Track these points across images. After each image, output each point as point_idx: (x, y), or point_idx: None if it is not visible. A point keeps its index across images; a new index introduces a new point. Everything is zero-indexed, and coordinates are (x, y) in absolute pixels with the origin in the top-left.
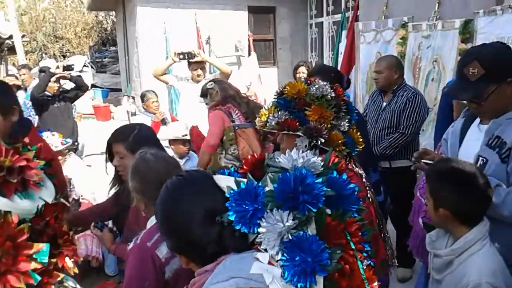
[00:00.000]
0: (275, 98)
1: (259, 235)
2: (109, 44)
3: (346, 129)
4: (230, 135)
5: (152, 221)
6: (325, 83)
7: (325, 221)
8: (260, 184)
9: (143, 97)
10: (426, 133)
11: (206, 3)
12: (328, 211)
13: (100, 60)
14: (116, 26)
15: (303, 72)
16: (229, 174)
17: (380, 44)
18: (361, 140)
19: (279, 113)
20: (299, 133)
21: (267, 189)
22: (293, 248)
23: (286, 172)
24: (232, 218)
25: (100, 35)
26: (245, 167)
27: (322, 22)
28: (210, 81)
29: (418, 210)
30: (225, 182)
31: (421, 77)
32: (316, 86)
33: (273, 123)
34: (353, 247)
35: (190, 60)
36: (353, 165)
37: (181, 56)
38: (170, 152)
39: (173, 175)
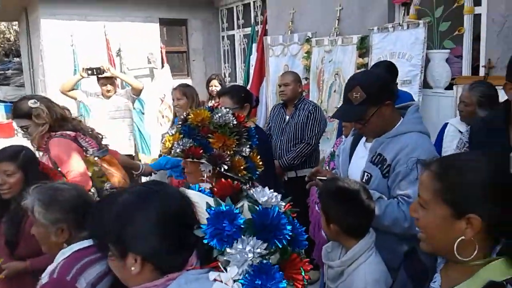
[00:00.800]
0: (179, 125)
1: (228, 254)
2: (13, 55)
3: (248, 154)
4: (96, 170)
5: (65, 252)
6: (227, 110)
7: (290, 256)
8: (237, 209)
9: None
10: (330, 141)
11: (115, 15)
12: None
13: (3, 72)
14: (19, 37)
15: (215, 85)
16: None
17: (287, 58)
18: (261, 163)
19: (184, 140)
20: (203, 160)
21: (243, 216)
22: (257, 273)
23: (266, 207)
24: (207, 232)
25: (2, 45)
26: (216, 189)
27: (233, 35)
28: (28, 97)
29: (318, 224)
30: (197, 197)
31: (325, 89)
32: (219, 114)
33: (178, 150)
34: (305, 282)
35: (100, 76)
36: None
37: (90, 72)
38: None
39: (86, 198)
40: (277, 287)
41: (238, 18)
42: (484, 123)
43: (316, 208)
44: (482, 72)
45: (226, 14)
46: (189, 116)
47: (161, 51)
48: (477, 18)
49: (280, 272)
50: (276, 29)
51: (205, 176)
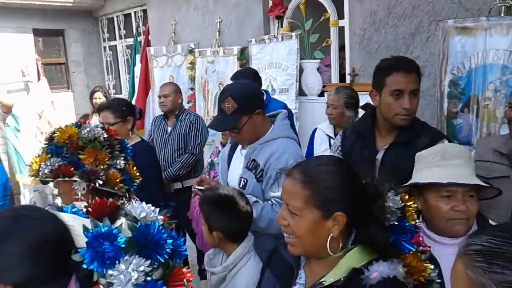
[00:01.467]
0: (45, 144)
1: (110, 276)
2: None
3: (123, 166)
4: None
5: None
6: (96, 124)
7: (172, 269)
8: (117, 229)
9: None
10: None
11: None
12: None
13: None
14: None
15: (99, 97)
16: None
17: (172, 68)
18: (137, 175)
19: (52, 160)
20: (75, 177)
21: (123, 234)
22: None
23: (146, 224)
24: (86, 256)
25: None
26: (92, 210)
27: (116, 45)
28: None
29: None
30: (71, 220)
31: (210, 99)
32: (88, 129)
33: (46, 171)
34: None
35: None
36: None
37: None
38: None
39: None
40: None
41: (119, 29)
42: (354, 128)
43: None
44: (348, 79)
45: (106, 24)
46: (55, 134)
47: (36, 63)
48: (341, 30)
49: (165, 287)
50: (159, 40)
51: (80, 194)
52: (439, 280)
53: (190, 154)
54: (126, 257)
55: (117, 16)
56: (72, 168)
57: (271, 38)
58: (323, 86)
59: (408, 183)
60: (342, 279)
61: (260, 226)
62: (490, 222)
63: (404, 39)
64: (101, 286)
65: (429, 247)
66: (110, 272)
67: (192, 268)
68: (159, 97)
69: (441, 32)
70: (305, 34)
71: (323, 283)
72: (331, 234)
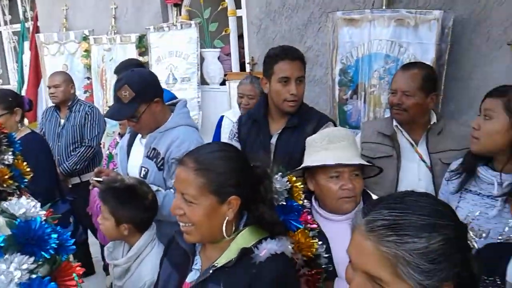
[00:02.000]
0: None
1: None
2: None
3: (11, 162)
4: None
5: None
6: None
7: (60, 265)
8: None
9: None
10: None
11: None
12: None
13: None
14: None
15: None
16: None
17: (65, 56)
18: (28, 170)
19: None
20: None
21: (2, 233)
22: None
23: (26, 220)
24: None
25: None
26: None
27: (0, 32)
28: None
29: None
30: None
31: (109, 88)
32: None
33: None
34: (79, 286)
35: None
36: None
37: None
38: None
39: None
40: None
41: (4, 14)
42: (249, 115)
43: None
44: (248, 68)
45: None
46: None
47: None
48: (239, 19)
49: (52, 283)
50: (49, 26)
51: None
52: (326, 255)
53: (87, 147)
54: (6, 256)
55: (1, 0)
56: None
57: (170, 26)
58: (224, 75)
59: (300, 167)
60: (233, 259)
61: (163, 214)
62: (375, 197)
63: (298, 29)
64: None
65: (317, 224)
66: None
67: (97, 264)
68: (49, 87)
69: (331, 23)
70: (204, 22)
71: (216, 265)
72: (227, 218)
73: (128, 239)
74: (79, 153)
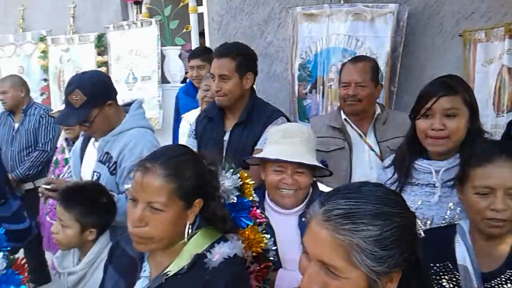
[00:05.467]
0: None
1: None
2: None
3: None
4: None
5: None
6: None
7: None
8: None
9: None
10: None
11: None
12: None
13: None
14: None
15: None
16: None
17: (21, 58)
18: None
19: None
20: None
21: None
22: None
23: None
24: None
25: None
26: None
27: None
28: None
29: (51, 235)
30: None
31: None
32: None
33: None
34: None
35: None
36: None
37: None
38: None
39: None
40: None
41: None
42: (205, 113)
43: (48, 219)
44: None
45: None
46: None
47: None
48: (200, 16)
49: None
50: (5, 26)
51: None
52: (274, 247)
53: (41, 151)
54: None
55: None
56: None
57: (130, 25)
58: (186, 73)
59: (249, 157)
60: (185, 266)
61: (116, 220)
62: (326, 189)
63: (258, 25)
64: None
65: (265, 216)
66: None
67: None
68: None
69: (291, 19)
70: (165, 20)
71: (168, 273)
72: (188, 222)
73: (88, 245)
74: (33, 158)
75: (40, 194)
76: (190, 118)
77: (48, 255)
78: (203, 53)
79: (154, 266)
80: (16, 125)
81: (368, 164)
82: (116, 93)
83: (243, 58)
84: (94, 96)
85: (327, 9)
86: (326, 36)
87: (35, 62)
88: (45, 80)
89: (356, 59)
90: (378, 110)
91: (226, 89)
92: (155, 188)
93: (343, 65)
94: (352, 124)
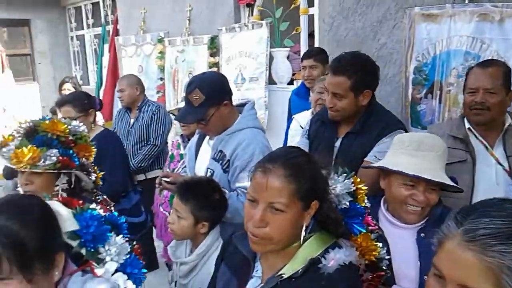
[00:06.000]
0: (23, 136)
1: (102, 253)
2: None
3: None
4: None
5: None
6: (75, 123)
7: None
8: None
9: None
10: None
11: None
12: None
13: None
14: None
15: (68, 89)
16: None
17: (141, 58)
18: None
19: (53, 151)
20: (77, 171)
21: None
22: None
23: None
24: (84, 236)
25: None
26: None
27: (83, 35)
28: None
29: (164, 225)
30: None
31: (180, 89)
32: (70, 126)
33: (48, 162)
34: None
35: None
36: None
37: None
38: None
39: None
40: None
41: (87, 18)
42: (319, 116)
43: (161, 210)
44: None
45: (74, 13)
46: (39, 127)
47: (0, 55)
48: (311, 18)
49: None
50: (128, 29)
51: (60, 190)
52: (388, 257)
53: (152, 145)
54: (112, 235)
55: (85, 5)
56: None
57: (241, 27)
58: (293, 74)
59: (377, 165)
60: (300, 270)
61: (226, 216)
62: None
63: (372, 26)
64: (92, 263)
65: (378, 226)
66: (101, 249)
67: (161, 259)
68: (117, 91)
69: (408, 20)
70: (276, 22)
71: (282, 275)
72: (305, 224)
73: (200, 238)
74: (144, 151)
75: (156, 185)
76: (300, 119)
77: (157, 244)
78: (317, 54)
79: (266, 267)
80: (132, 120)
81: (494, 180)
82: (231, 93)
83: (360, 76)
84: (212, 96)
85: (449, 9)
86: (446, 38)
87: (153, 62)
88: (161, 79)
89: (486, 63)
90: (509, 120)
91: (340, 107)
92: (276, 188)
93: (470, 69)
94: (477, 135)
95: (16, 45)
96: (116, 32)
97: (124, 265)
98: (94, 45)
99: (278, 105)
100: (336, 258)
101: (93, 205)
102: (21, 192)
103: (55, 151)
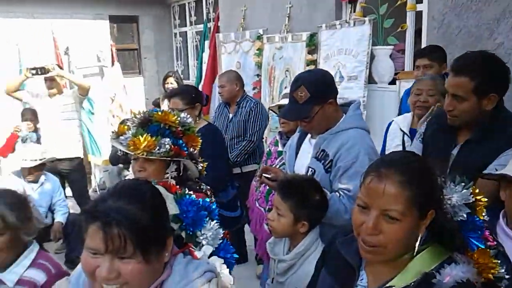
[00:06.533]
0: (138, 125)
1: (199, 236)
2: None
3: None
4: None
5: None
6: (184, 115)
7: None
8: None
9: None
10: None
11: (63, 13)
12: None
13: None
14: None
15: (171, 83)
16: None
17: (239, 55)
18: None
19: (166, 139)
20: (185, 160)
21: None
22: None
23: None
24: (185, 220)
25: None
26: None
27: (186, 32)
28: None
29: (259, 220)
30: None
31: (276, 86)
32: (179, 118)
33: (162, 150)
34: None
35: (45, 76)
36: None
37: (34, 72)
38: None
39: None
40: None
41: (190, 15)
42: (436, 119)
43: (257, 205)
44: None
45: (178, 10)
46: (153, 117)
47: (111, 49)
48: (418, 14)
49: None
50: (228, 26)
51: (170, 178)
52: (507, 276)
53: (248, 141)
54: (207, 220)
55: (189, 3)
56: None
57: (342, 24)
58: (395, 74)
59: (500, 172)
60: (412, 284)
61: (326, 216)
62: None
63: (487, 24)
64: (191, 245)
65: (498, 242)
66: (199, 232)
67: (250, 253)
68: (218, 87)
69: None
70: (379, 19)
71: (392, 287)
72: (420, 235)
73: (298, 237)
74: (241, 147)
75: (256, 178)
76: (400, 121)
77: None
78: (432, 52)
79: (372, 276)
80: (230, 115)
81: None
82: (337, 92)
83: (486, 78)
84: (317, 94)
85: None
86: None
87: (251, 59)
88: (258, 75)
89: None
90: None
91: (460, 110)
92: (392, 195)
93: None
94: None
95: (124, 40)
96: (217, 29)
97: (218, 249)
98: (196, 41)
99: (377, 106)
100: (452, 275)
101: (188, 192)
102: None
103: (168, 140)
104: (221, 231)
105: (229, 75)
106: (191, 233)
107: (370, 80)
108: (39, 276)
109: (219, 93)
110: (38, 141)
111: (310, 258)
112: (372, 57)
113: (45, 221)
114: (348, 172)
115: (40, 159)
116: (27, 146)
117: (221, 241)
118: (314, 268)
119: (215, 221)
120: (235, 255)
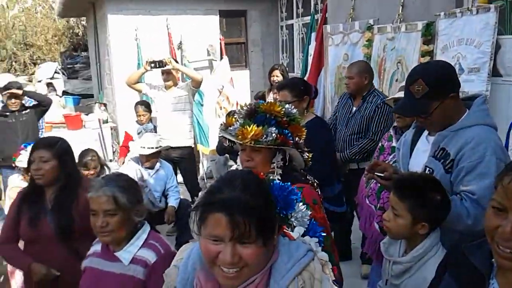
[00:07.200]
0: (245, 116)
1: (291, 218)
2: (81, 50)
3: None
4: None
5: (146, 230)
6: (288, 106)
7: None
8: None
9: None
10: None
11: (177, 9)
12: None
13: (72, 66)
14: (87, 32)
15: (277, 75)
16: None
17: (347, 46)
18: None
19: (273, 128)
20: (290, 149)
21: None
22: (311, 228)
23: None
24: (279, 204)
25: (71, 40)
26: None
27: (292, 24)
28: None
29: (369, 217)
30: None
31: (386, 78)
32: (284, 108)
33: (269, 138)
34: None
35: (162, 69)
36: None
37: (153, 65)
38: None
39: None
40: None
41: (297, 7)
42: None
43: (367, 202)
44: None
45: (285, 3)
46: (260, 108)
47: (220, 43)
48: None
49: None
50: (336, 17)
51: (276, 167)
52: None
53: (369, 140)
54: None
55: None
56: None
57: (463, 12)
58: None
59: None
60: None
61: (446, 219)
62: None
63: None
64: (285, 227)
65: None
66: (290, 214)
67: (355, 251)
68: (345, 77)
69: None
70: (507, 5)
71: None
72: None
73: (417, 239)
74: (361, 144)
75: (366, 173)
76: None
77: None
78: None
79: (504, 285)
80: (354, 109)
81: None
82: (459, 85)
83: None
84: (437, 88)
85: None
86: None
87: (359, 50)
88: None
89: None
90: None
91: None
92: None
93: None
94: None
95: (232, 34)
96: (324, 21)
97: (307, 229)
98: (302, 33)
99: (502, 100)
100: None
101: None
102: (238, 168)
103: (273, 129)
104: (308, 212)
105: (359, 67)
106: (283, 216)
107: (495, 72)
108: (150, 256)
109: (345, 83)
110: (154, 129)
111: (429, 262)
112: (497, 47)
113: (159, 204)
114: (472, 173)
115: (156, 147)
116: (145, 135)
117: (308, 222)
118: (435, 274)
119: (301, 202)
120: (323, 233)
